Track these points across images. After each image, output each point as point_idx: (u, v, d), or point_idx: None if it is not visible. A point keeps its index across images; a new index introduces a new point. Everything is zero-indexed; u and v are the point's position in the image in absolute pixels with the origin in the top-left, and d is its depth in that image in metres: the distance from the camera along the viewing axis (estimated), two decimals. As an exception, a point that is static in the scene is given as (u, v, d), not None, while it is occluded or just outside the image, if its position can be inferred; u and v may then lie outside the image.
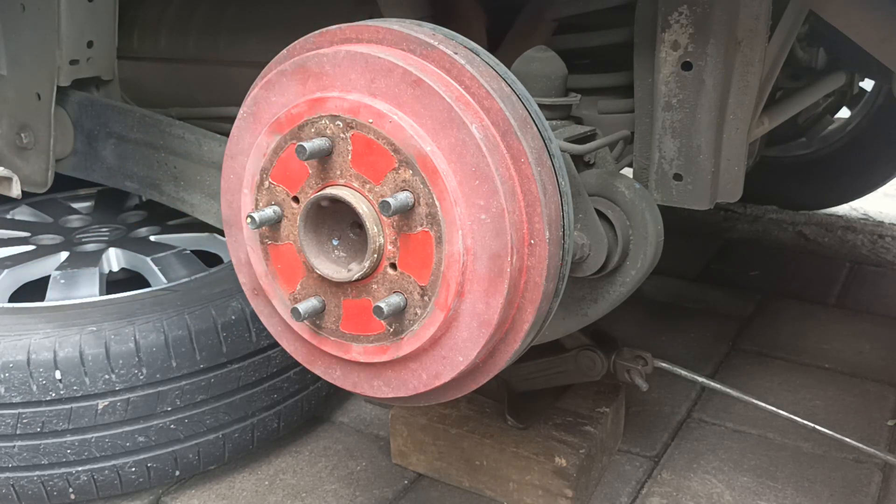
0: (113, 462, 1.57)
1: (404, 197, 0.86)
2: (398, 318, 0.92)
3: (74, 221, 2.23)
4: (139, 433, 1.57)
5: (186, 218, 2.00)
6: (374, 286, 0.92)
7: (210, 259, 2.04)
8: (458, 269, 0.87)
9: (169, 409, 1.58)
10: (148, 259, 1.92)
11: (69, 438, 1.53)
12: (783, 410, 1.50)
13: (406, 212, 0.87)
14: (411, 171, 0.86)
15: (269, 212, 0.95)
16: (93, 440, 1.54)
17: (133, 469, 1.59)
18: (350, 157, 0.90)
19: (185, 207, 1.72)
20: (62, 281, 1.83)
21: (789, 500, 1.64)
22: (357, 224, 0.93)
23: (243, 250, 1.03)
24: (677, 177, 1.24)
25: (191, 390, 1.59)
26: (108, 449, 1.55)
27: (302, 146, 0.87)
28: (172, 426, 1.59)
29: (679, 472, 1.73)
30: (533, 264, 0.90)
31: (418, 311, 0.90)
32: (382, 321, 0.92)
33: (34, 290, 1.86)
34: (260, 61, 1.02)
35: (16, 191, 1.78)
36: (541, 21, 1.51)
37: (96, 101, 1.70)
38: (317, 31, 0.97)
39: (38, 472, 1.53)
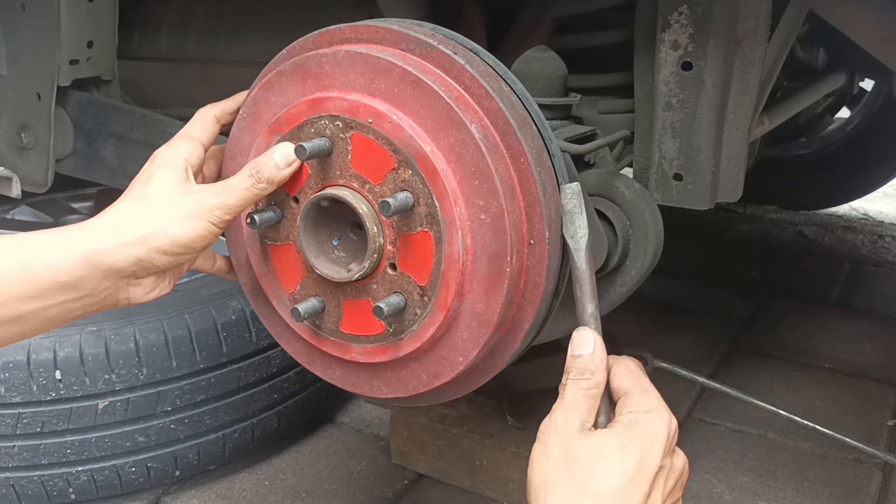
0: (113, 462, 1.57)
1: (404, 197, 0.86)
2: (398, 319, 0.92)
3: (75, 221, 2.23)
4: (139, 433, 1.57)
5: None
6: (374, 286, 0.92)
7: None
8: (457, 269, 0.87)
9: (169, 409, 1.58)
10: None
11: (69, 438, 1.53)
12: (783, 410, 1.49)
13: (406, 212, 0.87)
14: (411, 171, 0.86)
15: (268, 212, 0.95)
16: (93, 440, 1.54)
17: (133, 469, 1.59)
18: (349, 157, 0.89)
19: (185, 207, 1.72)
20: (62, 281, 1.82)
21: (789, 500, 1.64)
22: (357, 224, 0.93)
23: (243, 250, 1.03)
24: (677, 177, 1.23)
25: (191, 390, 1.59)
26: (108, 449, 1.55)
27: (302, 146, 0.87)
28: (172, 426, 1.59)
29: (679, 472, 1.73)
30: (533, 264, 0.89)
31: (418, 312, 0.90)
32: (382, 321, 0.92)
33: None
34: (260, 61, 1.02)
35: (16, 191, 1.78)
36: (541, 21, 1.51)
37: (96, 101, 1.70)
38: (316, 31, 0.97)
39: (38, 472, 1.54)
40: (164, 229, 0.86)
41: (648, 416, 0.78)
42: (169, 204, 0.88)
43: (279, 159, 0.90)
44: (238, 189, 0.89)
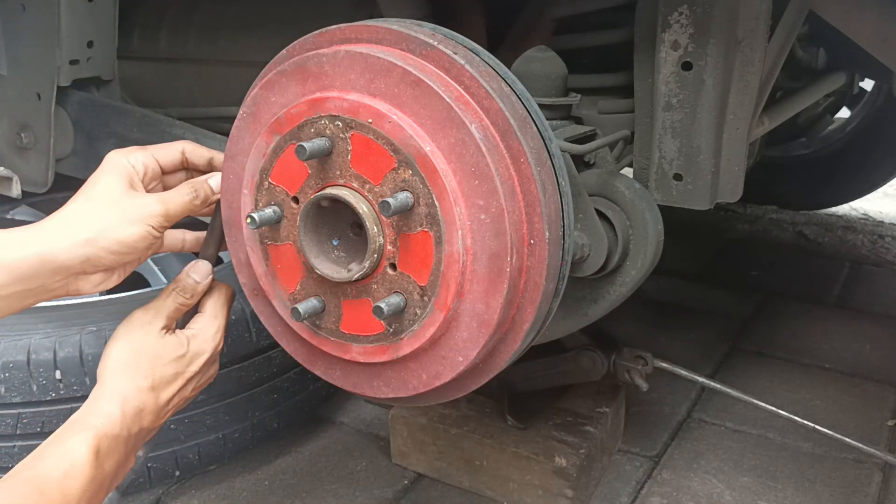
0: (113, 462, 1.57)
1: (404, 197, 0.86)
2: (398, 319, 0.92)
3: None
4: (139, 433, 1.56)
5: (186, 218, 1.99)
6: (374, 286, 0.92)
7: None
8: (457, 269, 0.87)
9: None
10: (148, 259, 1.92)
11: (69, 438, 1.52)
12: (783, 410, 1.50)
13: (406, 212, 0.87)
14: (411, 171, 0.86)
15: (268, 212, 0.95)
16: (93, 440, 1.53)
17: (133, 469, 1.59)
18: (350, 157, 0.90)
19: (185, 207, 1.72)
20: (62, 281, 1.82)
21: (789, 500, 1.64)
22: (357, 224, 0.93)
23: (243, 250, 1.03)
24: (677, 177, 1.24)
25: (191, 390, 1.59)
26: (108, 449, 1.55)
27: (302, 146, 0.87)
28: (172, 426, 1.59)
29: (679, 472, 1.73)
30: (533, 264, 0.89)
31: (418, 312, 0.90)
32: (382, 321, 0.92)
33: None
34: (260, 61, 1.02)
35: (16, 191, 1.78)
36: (541, 21, 1.51)
37: (96, 101, 1.70)
38: (316, 31, 0.97)
39: (38, 472, 1.53)
40: (109, 231, 0.96)
41: (204, 336, 1.05)
42: (114, 207, 0.98)
43: (216, 184, 1.05)
44: (177, 201, 1.02)
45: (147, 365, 1.00)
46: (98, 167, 1.02)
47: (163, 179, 1.08)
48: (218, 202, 1.06)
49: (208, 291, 1.08)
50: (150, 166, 1.05)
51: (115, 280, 1.03)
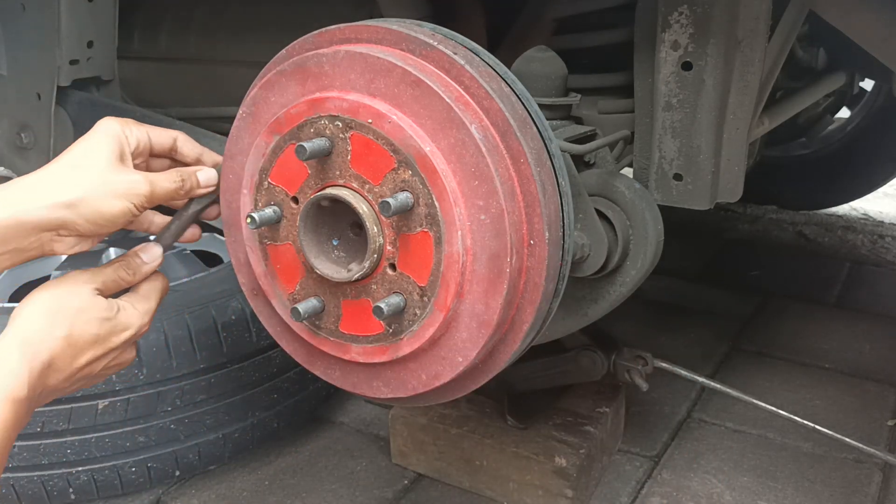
0: (113, 462, 1.57)
1: (404, 197, 0.86)
2: (397, 319, 0.92)
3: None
4: (139, 433, 1.57)
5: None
6: (374, 286, 0.92)
7: (210, 259, 2.04)
8: (457, 269, 0.87)
9: (169, 409, 1.58)
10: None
11: (69, 438, 1.53)
12: (783, 410, 1.50)
13: (405, 212, 0.87)
14: (410, 172, 0.86)
15: (268, 212, 0.95)
16: (93, 440, 1.54)
17: (133, 469, 1.59)
18: (349, 157, 0.90)
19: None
20: (62, 281, 1.82)
21: (789, 500, 1.64)
22: (357, 224, 0.93)
23: (243, 250, 1.03)
24: (677, 177, 1.24)
25: (191, 390, 1.59)
26: (108, 449, 1.55)
27: (302, 146, 0.87)
28: (172, 426, 1.59)
29: (679, 472, 1.73)
30: (532, 265, 0.89)
31: (417, 312, 0.90)
32: (382, 321, 0.92)
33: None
34: (260, 61, 1.02)
35: (16, 191, 1.78)
36: (541, 21, 1.51)
37: (96, 101, 1.70)
38: (316, 31, 0.97)
39: (38, 472, 1.54)
40: (92, 200, 0.94)
41: (134, 311, 1.00)
42: (101, 177, 0.96)
43: (203, 179, 1.04)
44: (163, 185, 1.00)
45: (67, 317, 0.94)
46: (91, 129, 1.00)
47: (148, 160, 1.06)
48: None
49: (153, 274, 1.06)
50: (142, 142, 1.03)
51: (87, 246, 1.00)
